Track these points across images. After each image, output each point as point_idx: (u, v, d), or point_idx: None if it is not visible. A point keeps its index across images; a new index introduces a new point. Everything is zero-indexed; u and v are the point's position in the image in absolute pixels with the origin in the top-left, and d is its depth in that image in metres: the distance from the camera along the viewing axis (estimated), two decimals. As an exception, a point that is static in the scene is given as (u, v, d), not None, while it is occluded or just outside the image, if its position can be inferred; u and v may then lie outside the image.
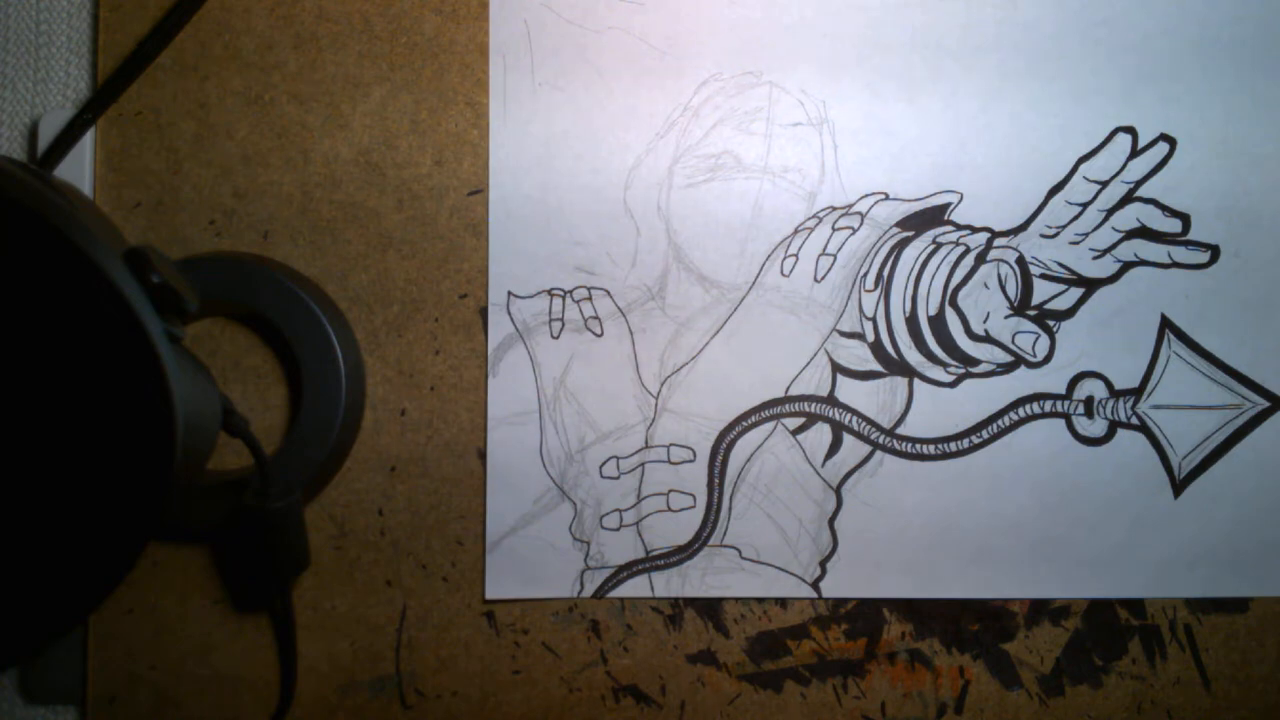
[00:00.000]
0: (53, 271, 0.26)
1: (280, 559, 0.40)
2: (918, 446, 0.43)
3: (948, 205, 0.42)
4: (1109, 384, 0.42)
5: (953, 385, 0.43)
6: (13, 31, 0.44)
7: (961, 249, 0.42)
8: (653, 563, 0.43)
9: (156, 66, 0.43)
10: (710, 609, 0.43)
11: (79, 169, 0.43)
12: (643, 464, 0.43)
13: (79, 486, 0.27)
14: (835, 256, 0.42)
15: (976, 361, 0.42)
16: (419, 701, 0.43)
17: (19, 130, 0.44)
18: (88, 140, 0.43)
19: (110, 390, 0.27)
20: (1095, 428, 0.42)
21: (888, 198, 0.42)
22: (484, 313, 0.43)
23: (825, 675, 0.43)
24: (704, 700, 0.43)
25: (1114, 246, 0.42)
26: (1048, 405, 0.42)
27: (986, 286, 0.42)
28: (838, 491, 0.43)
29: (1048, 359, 0.42)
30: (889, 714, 0.43)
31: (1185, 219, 0.42)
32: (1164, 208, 0.42)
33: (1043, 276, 0.42)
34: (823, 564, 0.43)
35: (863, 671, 0.43)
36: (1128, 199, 0.42)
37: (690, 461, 0.43)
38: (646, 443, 0.43)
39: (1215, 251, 0.42)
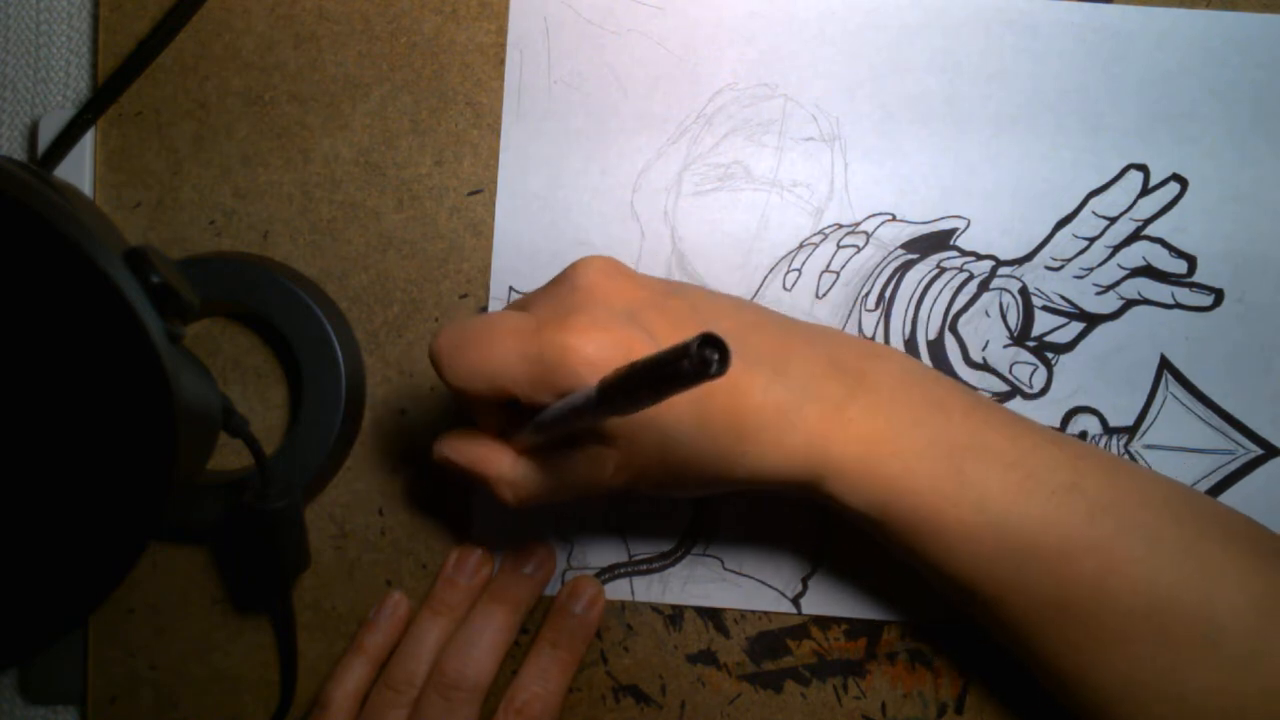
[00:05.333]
0: (53, 271, 0.26)
1: (280, 559, 0.40)
2: None
3: (954, 230, 0.42)
4: (1103, 420, 0.42)
5: None
6: (13, 31, 0.44)
7: (965, 275, 0.42)
8: (634, 567, 0.43)
9: (156, 66, 0.43)
10: (711, 609, 0.43)
11: (79, 169, 0.43)
12: None
13: (79, 487, 0.27)
14: (839, 274, 0.42)
15: (972, 389, 0.42)
16: (419, 701, 0.43)
17: (19, 130, 0.44)
18: (88, 140, 0.43)
19: (110, 390, 0.27)
20: None
21: (895, 219, 0.42)
22: (484, 313, 0.43)
23: (825, 675, 0.43)
24: (704, 700, 0.43)
25: (1118, 283, 0.42)
26: None
27: (988, 314, 0.42)
28: (825, 508, 0.42)
29: (1044, 391, 0.42)
30: (889, 714, 0.43)
31: (1192, 261, 0.42)
32: (1171, 248, 0.42)
33: (1044, 308, 0.42)
34: (805, 580, 0.43)
35: (863, 671, 0.43)
36: (1135, 237, 0.42)
37: None
38: None
39: (1219, 295, 0.41)
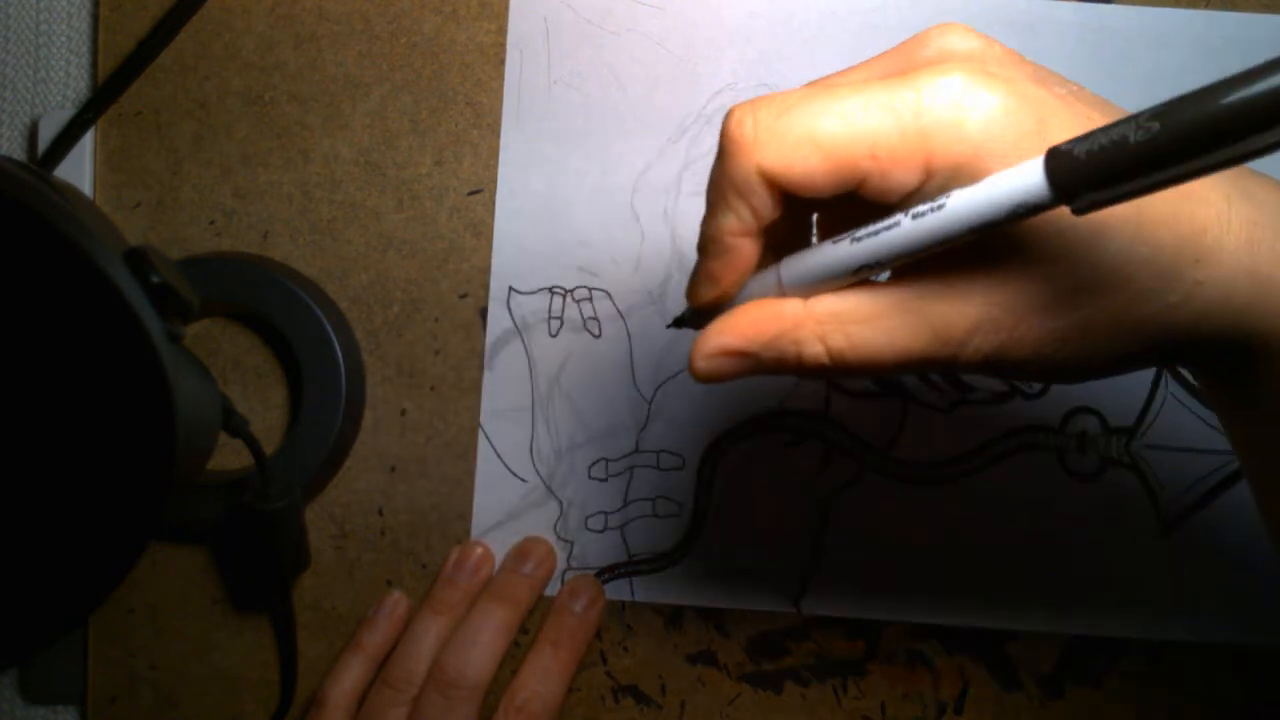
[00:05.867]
0: (53, 271, 0.26)
1: (280, 559, 0.40)
2: (907, 469, 0.42)
3: None
4: (1103, 420, 0.42)
5: (947, 411, 0.42)
6: (13, 31, 0.44)
7: None
8: (635, 567, 0.43)
9: (156, 66, 0.43)
10: (711, 609, 0.43)
11: (79, 169, 0.43)
12: (631, 468, 0.43)
13: (79, 487, 0.27)
14: None
15: (973, 390, 0.42)
16: (419, 701, 0.43)
17: (19, 130, 0.44)
18: (88, 140, 0.43)
19: (110, 390, 0.27)
20: (1086, 464, 0.42)
21: None
22: (484, 313, 0.43)
23: (825, 675, 0.43)
24: (704, 700, 0.43)
25: None
26: (1040, 438, 0.42)
27: None
28: (825, 509, 0.43)
29: (1044, 392, 0.42)
30: (889, 714, 0.43)
31: None
32: None
33: None
34: (804, 580, 0.43)
35: (863, 671, 0.43)
36: None
37: (679, 469, 0.43)
38: (637, 447, 0.43)
39: None
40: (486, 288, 0.43)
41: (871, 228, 0.23)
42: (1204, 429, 0.42)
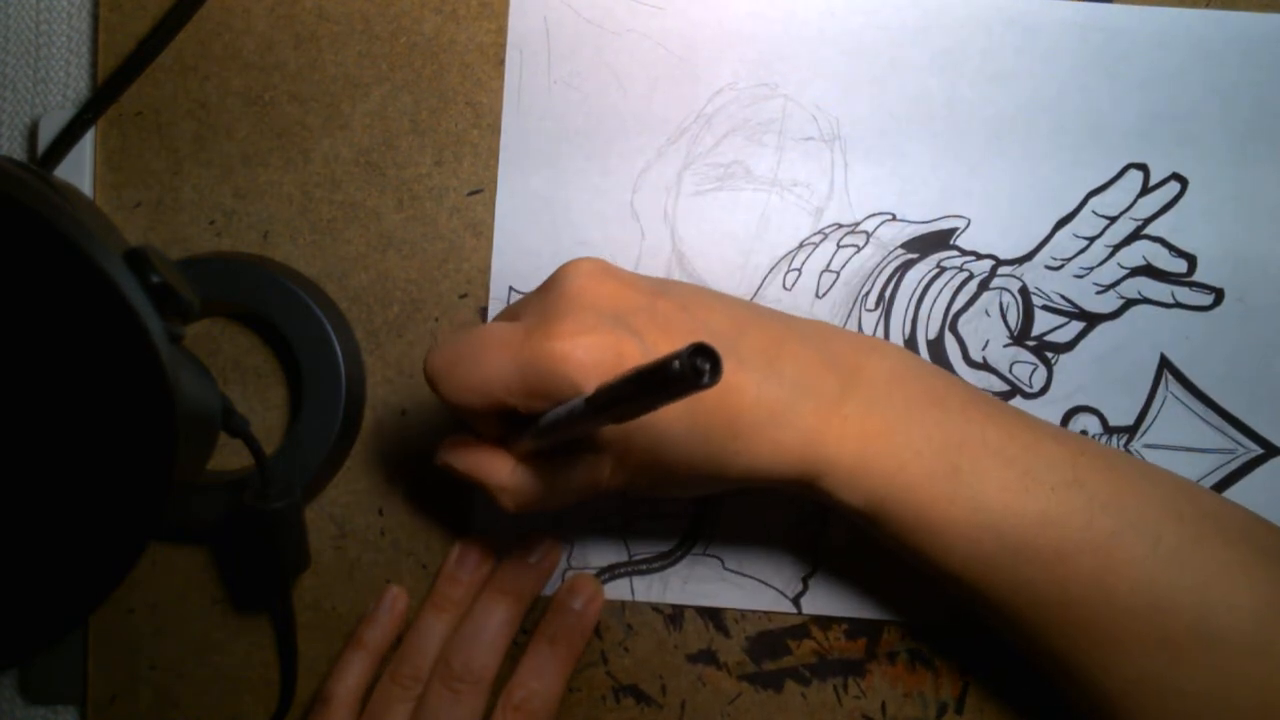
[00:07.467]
0: (53, 271, 0.26)
1: (280, 559, 0.40)
2: None
3: (954, 230, 0.42)
4: (1103, 420, 0.42)
5: None
6: (13, 31, 0.44)
7: (965, 274, 0.42)
8: (635, 566, 0.43)
9: (156, 66, 0.43)
10: (711, 609, 0.43)
11: (79, 169, 0.43)
12: None
13: (79, 487, 0.27)
14: (838, 274, 0.42)
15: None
16: (419, 701, 0.43)
17: (19, 130, 0.44)
18: (88, 140, 0.43)
19: (110, 391, 0.27)
20: None
21: (895, 218, 0.42)
22: (484, 313, 0.43)
23: (825, 675, 0.43)
24: (704, 700, 0.43)
25: (1118, 283, 0.42)
26: None
27: (988, 314, 0.42)
28: (824, 508, 0.42)
29: (1044, 391, 0.42)
30: (889, 714, 0.43)
31: (1192, 260, 0.42)
32: (1171, 247, 0.42)
33: (1044, 308, 0.42)
34: (805, 580, 0.43)
35: (863, 671, 0.43)
36: (1135, 236, 0.42)
37: None
38: None
39: (1219, 295, 0.41)
40: (486, 288, 0.43)
41: (545, 417, 0.32)
42: (1204, 428, 0.42)
